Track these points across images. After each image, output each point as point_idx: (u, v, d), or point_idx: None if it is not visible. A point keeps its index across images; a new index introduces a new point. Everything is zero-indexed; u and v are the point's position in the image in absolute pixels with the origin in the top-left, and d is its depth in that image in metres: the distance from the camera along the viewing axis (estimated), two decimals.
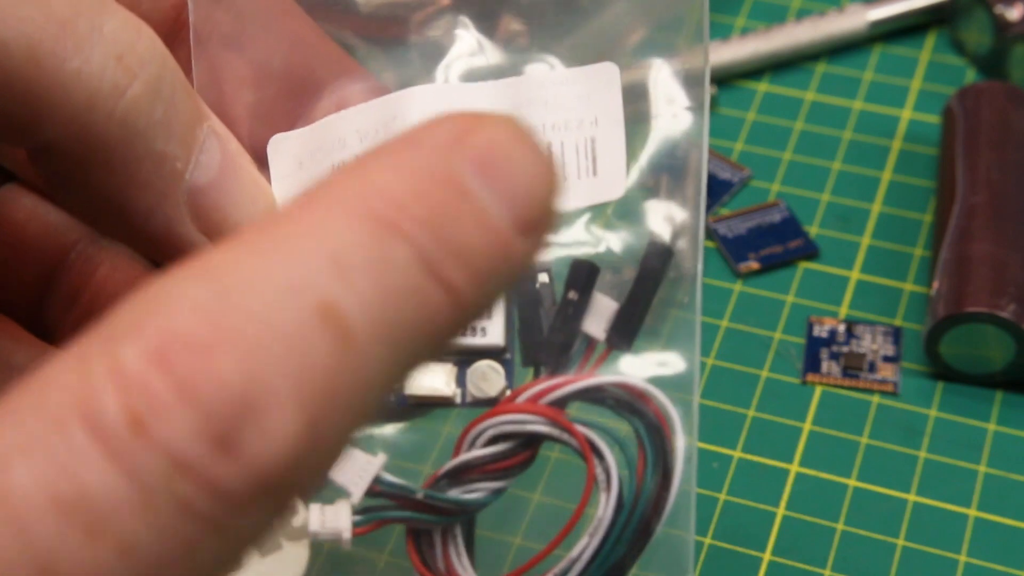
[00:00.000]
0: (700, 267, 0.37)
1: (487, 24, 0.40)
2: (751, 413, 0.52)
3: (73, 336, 0.37)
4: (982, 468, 0.50)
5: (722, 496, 0.49)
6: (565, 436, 0.35)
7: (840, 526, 0.48)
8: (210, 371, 0.22)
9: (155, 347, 0.22)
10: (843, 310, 0.54)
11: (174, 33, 0.39)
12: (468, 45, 0.40)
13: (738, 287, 0.55)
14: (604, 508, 0.35)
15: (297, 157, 0.39)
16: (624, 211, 0.37)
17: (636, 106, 0.38)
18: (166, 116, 0.34)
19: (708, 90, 0.39)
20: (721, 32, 0.64)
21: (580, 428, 0.35)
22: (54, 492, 0.21)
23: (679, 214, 0.37)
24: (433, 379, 0.35)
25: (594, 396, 0.35)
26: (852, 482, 0.50)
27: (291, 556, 0.35)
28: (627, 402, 0.35)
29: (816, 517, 0.49)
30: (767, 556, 0.48)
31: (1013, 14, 0.60)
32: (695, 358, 0.36)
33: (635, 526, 0.35)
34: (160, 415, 0.22)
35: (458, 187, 0.25)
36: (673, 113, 0.38)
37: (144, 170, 0.34)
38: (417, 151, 0.25)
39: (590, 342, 0.36)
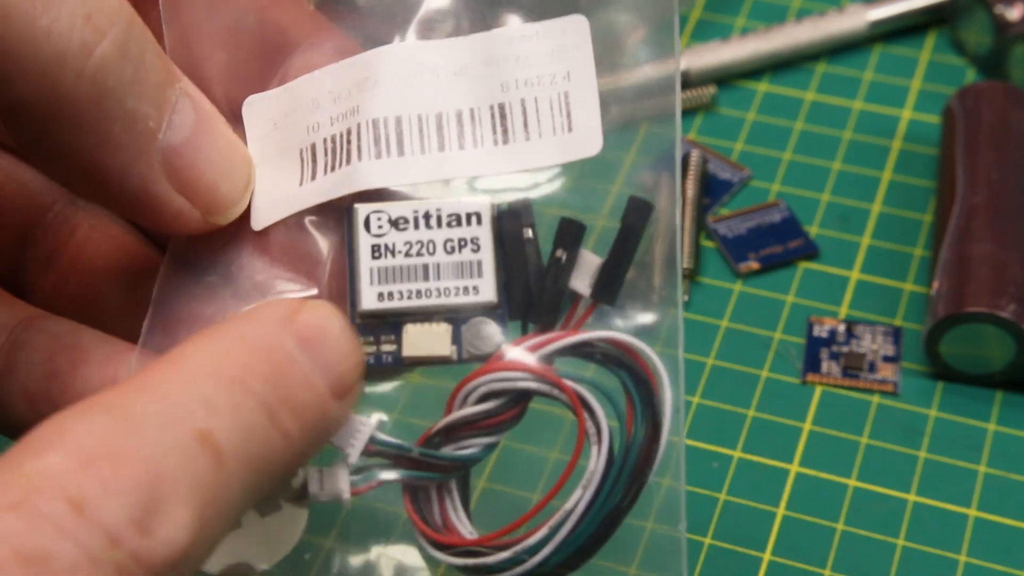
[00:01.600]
0: (679, 221, 0.37)
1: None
2: (751, 413, 0.52)
3: (53, 296, 0.38)
4: (982, 468, 0.50)
5: (722, 496, 0.49)
6: (555, 391, 0.35)
7: (840, 526, 0.48)
8: (128, 472, 0.29)
9: (83, 454, 0.29)
10: (843, 310, 0.54)
11: None
12: (438, 1, 0.40)
13: (738, 287, 0.55)
14: (596, 461, 0.35)
15: (271, 118, 0.39)
16: (603, 166, 0.38)
17: (608, 57, 0.38)
18: (136, 75, 0.35)
19: (678, 41, 0.39)
20: (721, 32, 0.64)
21: (569, 383, 0.35)
22: (20, 550, 0.27)
23: (658, 171, 0.38)
24: (431, 340, 0.36)
25: (582, 351, 0.36)
26: (852, 482, 0.50)
27: (290, 517, 0.35)
28: (615, 356, 0.36)
29: (816, 517, 0.49)
30: (767, 556, 0.48)
31: (1013, 14, 0.60)
32: (679, 313, 0.37)
33: (627, 477, 0.35)
34: (94, 503, 0.28)
35: (288, 356, 0.32)
36: (645, 61, 0.39)
37: (116, 129, 0.35)
38: (257, 326, 0.32)
39: (576, 297, 0.36)
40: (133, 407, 0.30)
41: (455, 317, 0.36)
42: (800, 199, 0.58)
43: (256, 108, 0.39)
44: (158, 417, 0.30)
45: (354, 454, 0.35)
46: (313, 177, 0.38)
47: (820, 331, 0.54)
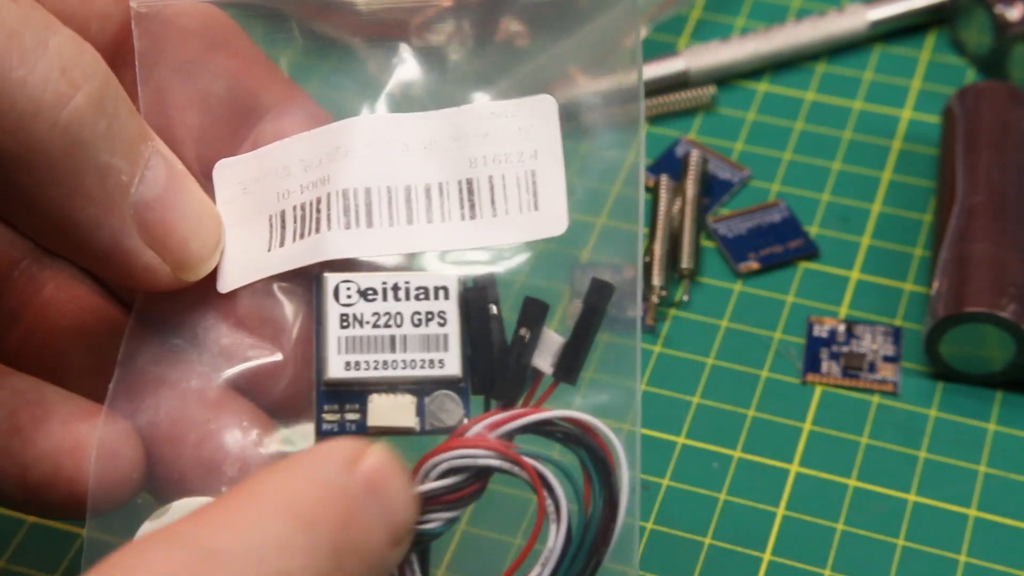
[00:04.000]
0: (640, 302, 0.38)
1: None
2: (751, 413, 0.52)
3: (16, 353, 0.38)
4: (982, 468, 0.50)
5: (722, 496, 0.49)
6: (516, 469, 0.36)
7: (840, 526, 0.48)
8: None
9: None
10: (843, 310, 0.54)
11: (120, 57, 0.39)
12: (409, 72, 0.40)
13: (738, 287, 0.55)
14: (554, 538, 0.36)
15: (242, 182, 0.39)
16: (567, 243, 0.38)
17: (573, 129, 0.39)
18: (109, 129, 0.35)
19: (643, 109, 0.39)
20: (721, 32, 0.64)
21: (529, 461, 0.36)
22: None
23: (621, 251, 0.39)
24: (396, 411, 0.36)
25: (543, 429, 0.36)
26: (852, 482, 0.50)
27: None
28: (574, 435, 0.36)
29: (816, 517, 0.49)
30: (767, 556, 0.48)
31: (1013, 14, 0.60)
32: (637, 391, 0.38)
33: (584, 555, 0.36)
34: None
35: (356, 501, 0.32)
36: (609, 135, 0.40)
37: (88, 182, 0.35)
38: (325, 466, 0.33)
39: (538, 375, 0.37)
40: (212, 542, 0.30)
41: (419, 389, 0.37)
42: (800, 199, 0.58)
43: (227, 171, 0.39)
44: (237, 558, 0.30)
45: None
46: (282, 244, 0.38)
47: (820, 331, 0.54)
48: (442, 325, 0.37)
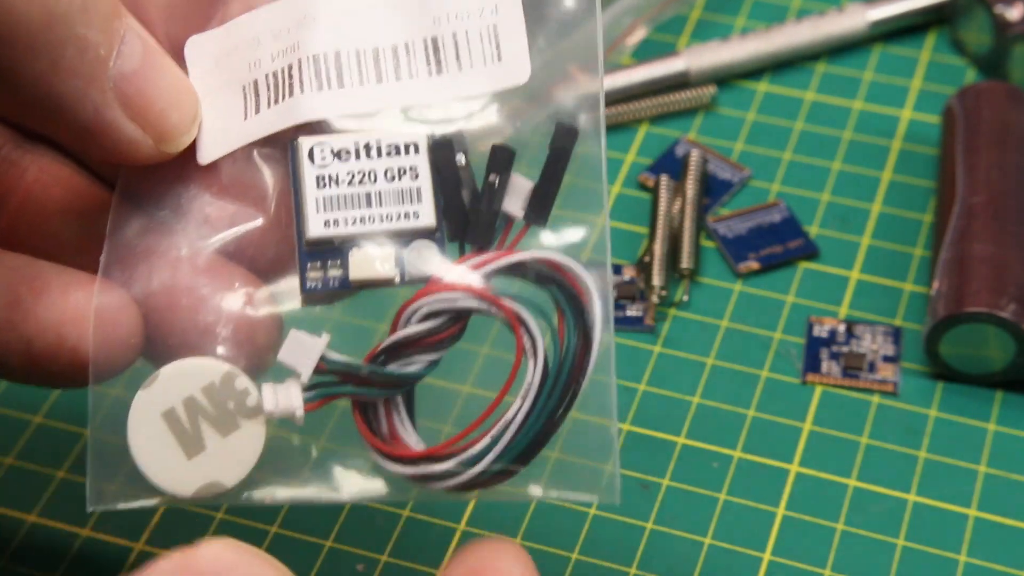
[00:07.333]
0: (603, 142, 0.39)
1: None
2: (751, 413, 0.52)
3: (6, 236, 0.39)
4: (982, 468, 0.50)
5: (722, 496, 0.49)
6: (493, 309, 0.38)
7: (840, 526, 0.48)
8: None
9: None
10: (843, 310, 0.54)
11: None
12: None
13: (738, 287, 0.55)
14: (532, 373, 0.37)
15: (214, 57, 0.40)
16: (532, 93, 0.39)
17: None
18: (84, 3, 0.36)
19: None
20: (721, 32, 0.64)
21: (506, 301, 0.38)
22: None
23: (583, 92, 0.40)
24: (375, 263, 0.38)
25: (517, 271, 0.38)
26: (852, 482, 0.50)
27: (250, 434, 0.37)
28: (547, 274, 0.38)
29: (816, 517, 0.49)
30: (767, 556, 0.48)
31: (1013, 14, 0.60)
32: (605, 223, 0.39)
33: (561, 386, 0.37)
34: None
35: None
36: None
37: (68, 54, 0.36)
38: None
39: (509, 219, 0.39)
40: None
41: (397, 241, 0.38)
42: (800, 199, 0.58)
43: (198, 48, 0.41)
44: None
45: (306, 372, 0.38)
46: (257, 111, 0.39)
47: (820, 331, 0.54)
48: (414, 179, 0.38)
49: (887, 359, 0.53)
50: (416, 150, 0.39)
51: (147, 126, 0.38)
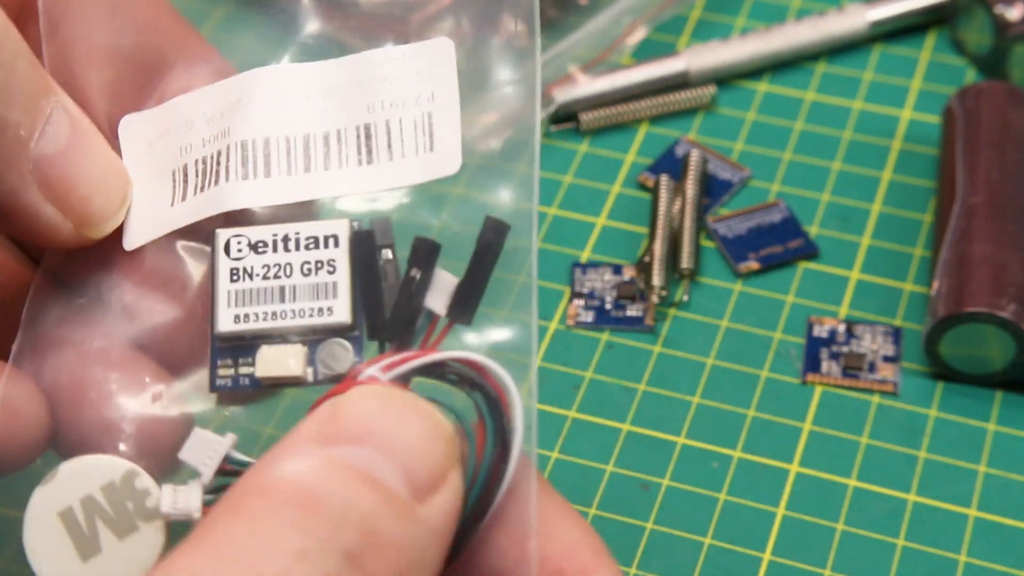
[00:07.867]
0: (535, 238, 0.37)
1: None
2: (751, 413, 0.52)
3: None
4: (982, 468, 0.50)
5: (722, 496, 0.49)
6: None
7: (840, 526, 0.48)
8: None
9: None
10: (843, 310, 0.54)
11: (27, 12, 0.39)
12: (313, 26, 0.40)
13: (738, 287, 0.55)
14: None
15: (147, 138, 0.39)
16: (463, 185, 0.38)
17: (471, 77, 0.39)
18: (6, 82, 0.35)
19: (539, 59, 0.39)
20: (721, 32, 0.64)
21: None
22: None
23: (515, 189, 0.38)
24: (284, 361, 0.36)
25: (436, 371, 0.36)
26: (852, 482, 0.50)
27: (147, 537, 0.36)
28: (467, 376, 0.36)
29: (816, 517, 0.49)
30: (767, 556, 0.48)
31: (1013, 14, 0.60)
32: (533, 323, 0.37)
33: (476, 496, 0.35)
34: None
35: (342, 491, 0.32)
36: (507, 83, 0.40)
37: None
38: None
39: (433, 317, 0.37)
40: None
41: (311, 339, 0.37)
42: (800, 199, 0.58)
43: (132, 127, 0.39)
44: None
45: (207, 472, 0.36)
46: (183, 198, 0.38)
47: (820, 331, 0.54)
48: (331, 273, 0.37)
49: (887, 359, 0.53)
50: (336, 242, 0.37)
51: (68, 210, 0.37)
